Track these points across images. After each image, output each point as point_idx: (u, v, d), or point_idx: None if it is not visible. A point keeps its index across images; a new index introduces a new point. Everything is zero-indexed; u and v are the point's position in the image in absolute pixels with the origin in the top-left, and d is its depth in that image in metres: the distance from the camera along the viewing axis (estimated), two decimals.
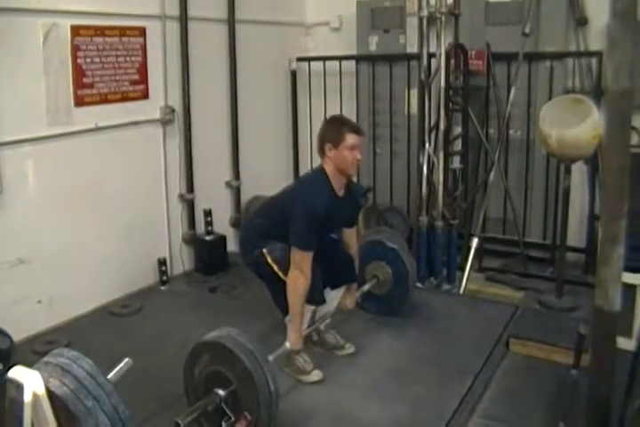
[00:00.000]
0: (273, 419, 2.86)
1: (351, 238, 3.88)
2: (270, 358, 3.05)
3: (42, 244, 4.09)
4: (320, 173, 3.53)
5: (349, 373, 3.63)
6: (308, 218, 3.35)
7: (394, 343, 3.94)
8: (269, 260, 3.52)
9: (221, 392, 2.82)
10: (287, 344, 3.43)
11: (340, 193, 3.55)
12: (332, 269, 3.67)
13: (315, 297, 3.55)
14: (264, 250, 3.53)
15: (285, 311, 3.61)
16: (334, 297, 3.84)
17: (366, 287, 4.11)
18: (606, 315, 1.87)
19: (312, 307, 3.63)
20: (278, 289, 3.54)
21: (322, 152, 3.54)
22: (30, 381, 2.02)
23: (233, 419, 2.80)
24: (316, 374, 3.52)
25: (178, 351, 3.83)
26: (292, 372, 3.55)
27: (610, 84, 1.79)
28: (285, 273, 3.45)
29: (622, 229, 1.79)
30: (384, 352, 3.84)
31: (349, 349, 3.84)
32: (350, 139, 3.43)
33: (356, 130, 3.49)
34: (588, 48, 4.98)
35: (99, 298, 4.53)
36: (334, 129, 3.50)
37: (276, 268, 3.52)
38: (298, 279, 3.39)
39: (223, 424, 2.80)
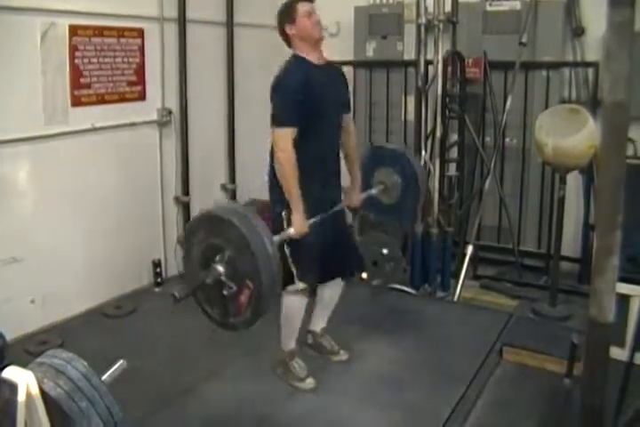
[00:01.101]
0: (275, 286, 2.71)
1: (348, 126, 3.66)
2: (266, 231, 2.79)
3: (36, 243, 4.09)
4: (289, 58, 3.45)
5: (342, 379, 3.63)
6: (284, 93, 3.29)
7: (387, 350, 3.94)
8: (285, 224, 3.32)
9: (219, 267, 2.68)
10: (291, 230, 3.21)
11: (319, 62, 3.43)
12: (335, 256, 3.53)
13: (304, 275, 3.36)
14: (283, 213, 3.34)
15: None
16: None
17: (373, 191, 3.90)
18: (600, 325, 1.87)
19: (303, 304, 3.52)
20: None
21: (286, 38, 3.45)
22: (24, 381, 2.01)
23: (235, 288, 2.66)
24: (309, 383, 3.51)
25: (171, 353, 3.87)
26: (285, 377, 3.54)
27: (606, 96, 1.80)
28: (299, 272, 3.34)
29: (617, 240, 1.80)
30: (377, 359, 3.84)
31: (343, 355, 3.84)
32: (302, 6, 3.37)
33: None
34: (584, 58, 5.00)
35: (92, 299, 4.53)
36: (284, 8, 3.45)
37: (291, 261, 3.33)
38: (281, 159, 3.27)
39: (225, 294, 2.69)
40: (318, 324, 3.85)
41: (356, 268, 3.83)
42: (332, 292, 3.73)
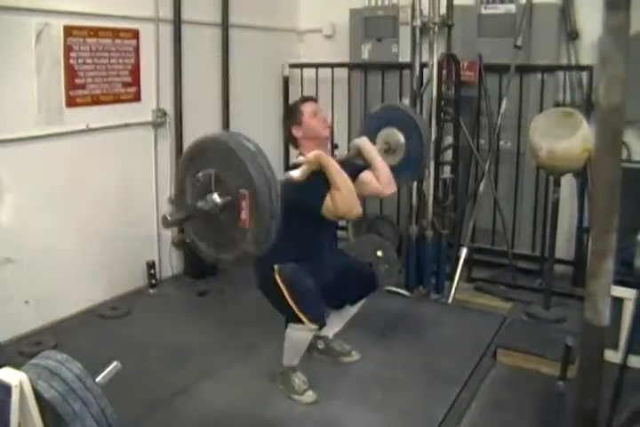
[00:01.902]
0: (271, 190, 2.44)
1: (372, 177, 3.51)
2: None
3: (30, 244, 4.08)
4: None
5: (337, 380, 3.63)
6: (300, 191, 3.10)
7: (381, 352, 3.94)
8: (278, 278, 3.31)
9: (215, 195, 2.49)
10: (295, 173, 3.07)
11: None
12: (348, 287, 3.62)
13: (315, 318, 3.32)
14: (275, 266, 3.32)
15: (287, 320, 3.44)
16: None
17: (376, 147, 3.71)
18: (595, 329, 1.87)
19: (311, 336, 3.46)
20: (284, 311, 3.38)
21: (294, 140, 3.50)
22: (18, 382, 2.01)
23: (229, 198, 2.48)
24: (309, 396, 3.45)
25: (166, 355, 3.86)
26: (285, 390, 3.51)
27: (601, 100, 1.80)
28: (292, 297, 3.27)
29: (612, 243, 1.80)
30: (371, 360, 3.84)
31: (355, 356, 3.85)
32: (307, 107, 3.45)
33: (306, 99, 3.55)
34: (578, 62, 5.01)
35: (87, 300, 4.52)
36: (289, 112, 3.54)
37: (288, 296, 3.28)
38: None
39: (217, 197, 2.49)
40: (332, 330, 3.82)
41: (371, 288, 3.73)
42: (350, 307, 3.76)
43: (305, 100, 3.56)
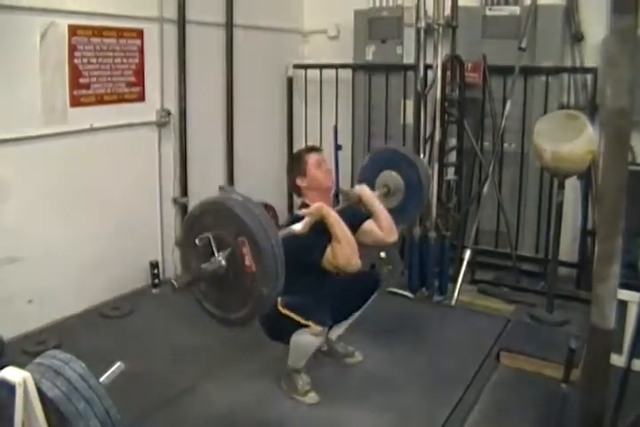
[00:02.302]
0: (268, 231, 2.51)
1: (373, 226, 3.55)
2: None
3: (33, 243, 4.08)
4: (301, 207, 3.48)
5: (340, 381, 3.63)
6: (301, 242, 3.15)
7: (384, 353, 3.94)
8: (284, 311, 3.29)
9: (219, 258, 2.55)
10: (297, 226, 3.13)
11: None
12: (350, 296, 3.66)
13: (321, 321, 3.34)
14: (279, 299, 3.21)
15: None
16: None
17: (376, 193, 3.75)
18: (601, 332, 1.87)
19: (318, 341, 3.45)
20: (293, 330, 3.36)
21: (297, 191, 3.58)
22: (22, 382, 2.01)
23: (229, 250, 2.54)
24: (311, 397, 3.45)
25: (169, 355, 3.87)
26: (288, 390, 3.51)
27: (608, 101, 1.80)
28: (295, 312, 3.29)
29: (619, 246, 1.80)
30: (374, 362, 3.84)
31: (358, 357, 3.86)
32: (311, 158, 3.52)
33: (311, 149, 3.62)
34: (583, 64, 5.01)
35: (90, 299, 4.52)
36: (293, 162, 3.60)
37: (292, 314, 3.29)
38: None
39: (219, 256, 2.55)
40: (335, 332, 3.81)
41: (373, 288, 3.75)
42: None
43: (309, 150, 3.63)
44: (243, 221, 2.48)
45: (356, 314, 3.78)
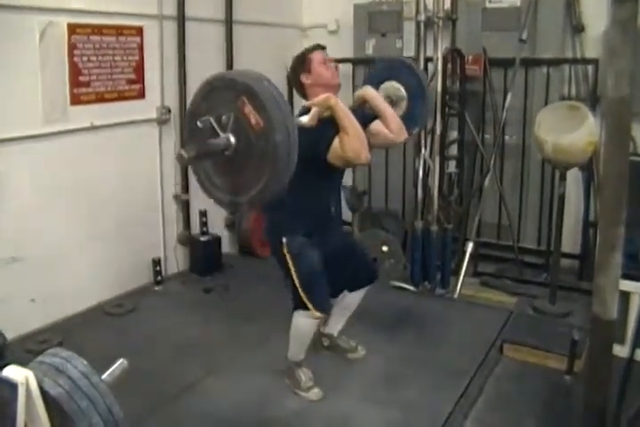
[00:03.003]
0: (270, 85, 2.55)
1: (381, 127, 3.41)
2: None
3: (35, 242, 4.08)
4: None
5: (342, 376, 3.63)
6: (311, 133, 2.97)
7: (387, 347, 3.94)
8: (286, 252, 3.29)
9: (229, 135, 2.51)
10: (304, 118, 3.02)
11: None
12: (347, 272, 3.57)
13: (320, 304, 3.35)
14: (284, 239, 3.30)
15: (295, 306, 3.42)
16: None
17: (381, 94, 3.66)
18: (603, 323, 1.87)
19: (316, 325, 3.48)
20: (291, 289, 3.37)
21: (302, 90, 3.40)
22: (24, 380, 2.01)
23: (233, 118, 2.49)
24: (315, 393, 3.44)
25: (171, 352, 3.87)
26: (291, 386, 3.51)
27: (610, 91, 1.79)
28: (299, 277, 3.28)
29: (620, 236, 1.80)
30: (377, 356, 3.83)
31: (361, 351, 3.84)
32: (316, 55, 3.36)
33: (316, 47, 3.42)
34: (584, 55, 4.99)
35: (92, 297, 4.52)
36: (298, 60, 3.40)
37: (291, 265, 3.28)
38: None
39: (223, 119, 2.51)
40: (335, 327, 3.83)
41: (370, 278, 3.72)
42: (351, 299, 3.72)
43: (314, 47, 3.42)
44: (236, 81, 2.48)
45: (352, 306, 3.75)
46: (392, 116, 3.40)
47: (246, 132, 2.47)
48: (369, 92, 3.46)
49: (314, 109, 3.05)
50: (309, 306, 3.29)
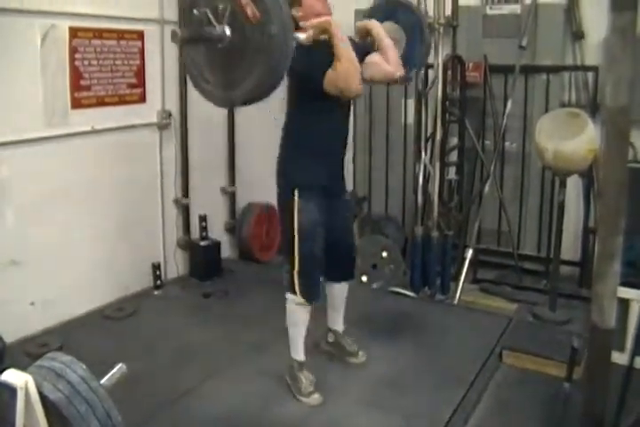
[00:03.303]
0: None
1: (380, 59, 3.35)
2: None
3: (35, 245, 4.08)
4: None
5: (342, 381, 3.62)
6: (303, 58, 2.94)
7: (387, 353, 3.93)
8: (295, 211, 3.29)
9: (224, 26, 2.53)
10: (302, 35, 3.01)
11: None
12: (334, 255, 3.51)
13: (310, 291, 3.39)
14: (296, 192, 3.30)
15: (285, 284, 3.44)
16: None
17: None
18: (602, 331, 1.87)
19: (306, 312, 3.50)
20: (285, 243, 3.41)
21: (294, 22, 3.17)
22: (23, 384, 2.01)
23: (229, 9, 2.49)
24: (315, 399, 3.43)
25: (171, 356, 3.87)
26: (292, 387, 3.50)
27: (608, 100, 1.80)
28: (299, 251, 3.29)
29: (619, 245, 1.80)
30: (377, 362, 3.82)
31: (362, 357, 3.82)
32: None
33: None
34: (584, 62, 5.01)
35: (92, 301, 4.52)
36: None
37: (295, 230, 3.30)
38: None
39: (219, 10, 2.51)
40: (337, 323, 3.84)
41: (344, 277, 3.72)
42: (336, 290, 3.73)
43: None
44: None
45: (340, 299, 3.77)
46: (393, 48, 3.35)
47: (242, 24, 2.48)
48: (374, 23, 3.42)
49: (310, 31, 3.04)
50: (296, 290, 3.35)
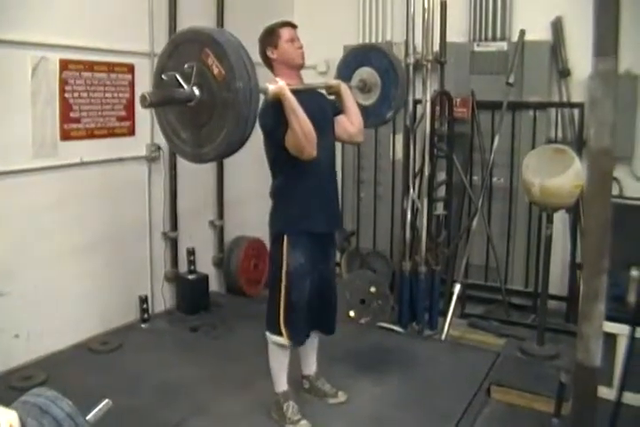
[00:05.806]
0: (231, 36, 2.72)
1: (346, 121, 3.53)
2: None
3: (21, 277, 4.06)
4: None
5: (329, 419, 3.59)
6: (274, 116, 3.13)
7: (375, 389, 3.91)
8: (284, 250, 3.34)
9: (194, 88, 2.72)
10: (270, 86, 3.08)
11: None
12: (318, 306, 3.52)
13: (296, 338, 3.43)
14: (285, 235, 3.37)
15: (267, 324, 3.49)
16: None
17: (353, 84, 3.83)
18: (587, 370, 1.88)
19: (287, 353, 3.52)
20: (272, 293, 3.44)
21: (267, 62, 3.44)
22: (7, 421, 1.99)
23: (196, 68, 2.67)
24: (303, 425, 3.42)
25: (156, 391, 3.83)
26: (278, 418, 3.48)
27: (592, 142, 1.83)
28: (285, 298, 3.34)
29: (604, 285, 1.81)
30: (365, 398, 3.80)
31: (341, 397, 3.76)
32: (285, 32, 3.37)
33: (286, 24, 3.43)
34: (570, 99, 5.08)
35: (78, 334, 4.48)
36: (267, 32, 3.42)
37: (283, 275, 3.34)
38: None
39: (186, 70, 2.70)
40: (309, 367, 3.81)
41: (326, 331, 3.69)
42: (309, 338, 3.68)
43: (284, 24, 3.42)
44: (199, 33, 2.70)
45: (314, 344, 3.76)
46: (357, 113, 3.52)
47: (209, 83, 2.65)
48: (343, 86, 3.54)
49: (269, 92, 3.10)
50: (283, 334, 3.37)
